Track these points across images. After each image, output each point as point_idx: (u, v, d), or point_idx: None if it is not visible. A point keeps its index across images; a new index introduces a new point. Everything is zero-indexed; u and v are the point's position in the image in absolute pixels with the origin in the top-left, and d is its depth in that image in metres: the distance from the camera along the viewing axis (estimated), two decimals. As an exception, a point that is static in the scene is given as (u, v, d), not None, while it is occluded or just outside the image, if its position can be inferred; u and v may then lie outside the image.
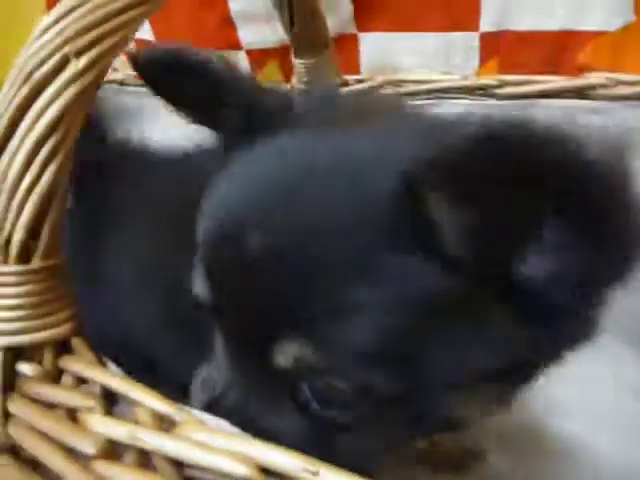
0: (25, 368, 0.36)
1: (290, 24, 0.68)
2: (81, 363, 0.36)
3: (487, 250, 0.29)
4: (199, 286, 0.37)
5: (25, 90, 0.35)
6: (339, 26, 0.87)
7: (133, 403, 0.33)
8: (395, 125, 0.38)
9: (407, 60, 0.82)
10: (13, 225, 0.34)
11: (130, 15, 0.38)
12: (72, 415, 0.34)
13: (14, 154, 0.34)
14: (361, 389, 0.32)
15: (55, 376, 0.37)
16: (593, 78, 0.64)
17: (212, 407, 0.35)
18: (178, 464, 0.31)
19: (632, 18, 0.68)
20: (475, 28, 0.77)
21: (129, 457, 0.31)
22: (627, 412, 0.57)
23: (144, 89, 1.00)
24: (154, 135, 0.96)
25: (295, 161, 0.36)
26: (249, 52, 0.91)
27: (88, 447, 0.31)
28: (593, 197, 0.26)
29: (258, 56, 0.91)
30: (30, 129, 0.34)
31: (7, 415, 0.35)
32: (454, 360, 0.31)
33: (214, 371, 0.38)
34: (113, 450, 0.32)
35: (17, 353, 0.36)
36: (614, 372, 0.62)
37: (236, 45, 0.90)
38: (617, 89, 0.63)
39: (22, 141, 0.34)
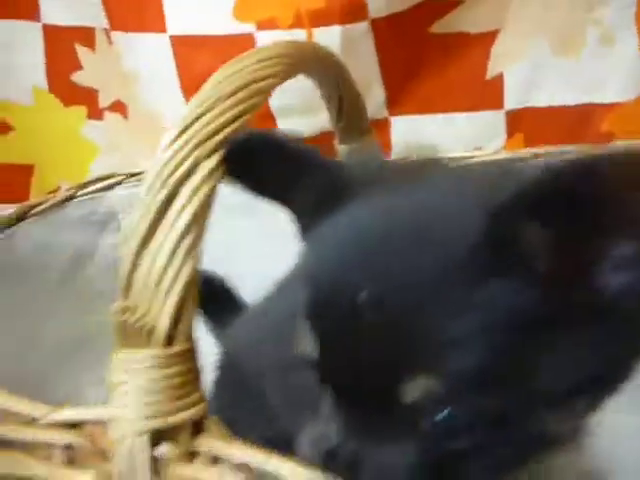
0: (165, 450, 0.38)
1: (337, 120, 0.73)
2: (219, 441, 0.38)
3: (573, 268, 0.34)
4: (305, 345, 0.38)
5: (164, 193, 0.39)
6: (370, 111, 0.94)
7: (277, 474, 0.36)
8: (459, 176, 0.44)
9: (437, 140, 0.89)
10: (159, 312, 0.38)
11: (243, 120, 0.44)
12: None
13: (158, 250, 0.38)
14: (479, 414, 0.34)
15: (192, 457, 0.39)
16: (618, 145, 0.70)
17: (328, 459, 0.36)
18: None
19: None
20: (500, 106, 0.84)
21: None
22: None
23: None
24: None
25: (381, 221, 0.39)
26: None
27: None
28: None
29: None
30: (171, 227, 0.39)
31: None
32: (560, 372, 0.35)
33: (323, 427, 0.39)
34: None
35: (155, 437, 0.39)
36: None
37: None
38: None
39: (165, 238, 0.38)
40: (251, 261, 0.70)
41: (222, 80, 0.46)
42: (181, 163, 0.40)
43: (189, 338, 0.39)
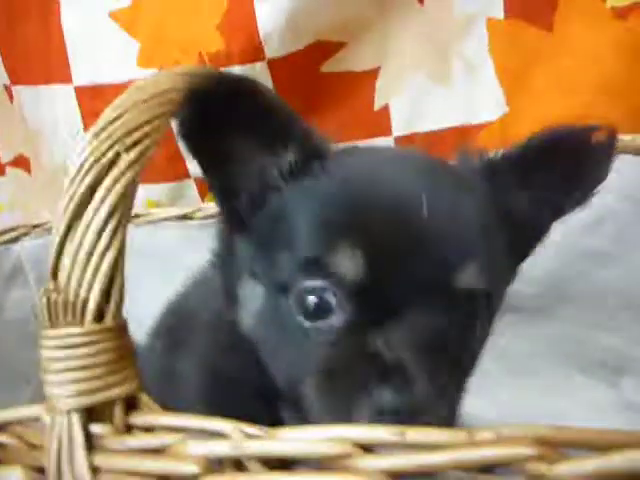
0: (98, 427, 0.39)
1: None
2: (153, 414, 0.40)
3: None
4: (351, 265, 0.41)
5: (88, 179, 0.42)
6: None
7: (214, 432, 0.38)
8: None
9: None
10: (88, 289, 0.40)
11: (161, 121, 0.48)
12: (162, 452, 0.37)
13: (84, 233, 0.40)
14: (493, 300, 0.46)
15: (127, 431, 0.40)
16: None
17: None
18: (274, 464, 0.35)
19: (506, 110, 0.89)
20: (389, 133, 0.94)
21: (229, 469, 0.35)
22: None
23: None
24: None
25: (395, 158, 0.51)
26: (196, 179, 1.02)
27: (192, 467, 0.35)
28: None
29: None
30: (97, 210, 0.41)
31: (95, 470, 0.37)
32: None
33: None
34: (214, 468, 0.35)
35: (89, 412, 0.39)
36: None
37: (185, 175, 1.00)
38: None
39: (91, 221, 0.41)
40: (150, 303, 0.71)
41: (140, 86, 0.50)
42: (103, 155, 0.43)
43: (119, 314, 0.41)
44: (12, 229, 1.06)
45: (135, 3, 0.93)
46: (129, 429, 0.40)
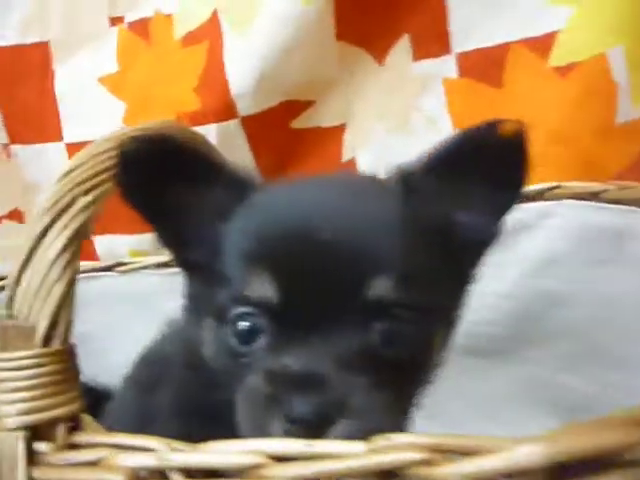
0: (42, 446, 0.42)
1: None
2: (94, 434, 0.43)
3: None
4: (265, 290, 0.44)
5: (46, 219, 0.47)
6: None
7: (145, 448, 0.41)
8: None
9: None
10: (37, 316, 0.44)
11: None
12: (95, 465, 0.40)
13: (38, 265, 0.45)
14: (422, 313, 0.46)
15: (69, 450, 0.43)
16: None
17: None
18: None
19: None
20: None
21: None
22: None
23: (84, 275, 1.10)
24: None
25: (308, 188, 0.53)
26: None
27: (120, 477, 0.38)
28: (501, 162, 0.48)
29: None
30: (51, 245, 0.46)
31: (33, 483, 0.40)
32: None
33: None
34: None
35: (34, 430, 0.43)
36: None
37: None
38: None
39: (45, 252, 0.46)
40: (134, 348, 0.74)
41: (101, 141, 0.56)
42: (61, 198, 0.49)
43: (66, 340, 0.45)
44: (2, 278, 1.11)
45: (122, 69, 1.02)
46: (71, 447, 0.43)
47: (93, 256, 1.13)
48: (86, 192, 0.50)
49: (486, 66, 0.91)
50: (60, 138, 1.08)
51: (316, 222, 0.45)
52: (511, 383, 0.86)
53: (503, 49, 0.89)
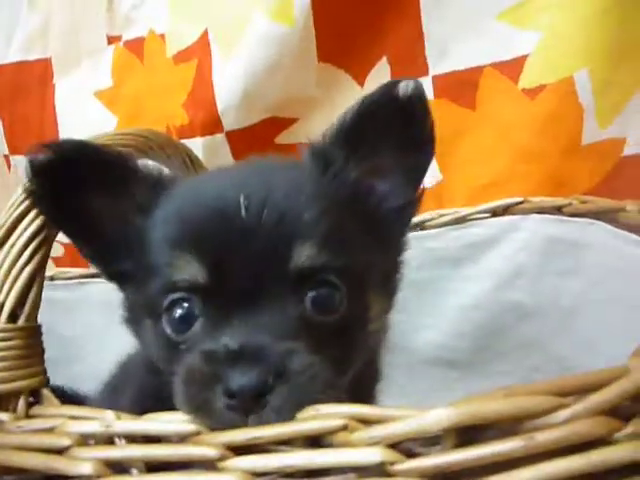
0: (3, 415, 0.45)
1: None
2: (54, 407, 0.46)
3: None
4: (192, 272, 0.45)
5: (18, 211, 0.51)
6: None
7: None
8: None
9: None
10: (7, 294, 0.47)
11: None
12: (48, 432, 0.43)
13: (9, 249, 0.49)
14: (349, 277, 0.47)
15: (28, 420, 0.46)
16: (427, 214, 0.90)
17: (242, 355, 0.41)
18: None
19: (440, 177, 0.99)
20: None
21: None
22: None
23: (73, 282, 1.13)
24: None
25: (226, 172, 0.56)
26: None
27: (67, 441, 0.41)
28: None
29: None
30: (22, 233, 0.50)
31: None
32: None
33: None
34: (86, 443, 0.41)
35: (-4, 400, 0.46)
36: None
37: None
38: (441, 219, 0.89)
39: (18, 238, 0.49)
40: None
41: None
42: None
43: (33, 319, 0.49)
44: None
45: (116, 84, 1.08)
46: (29, 417, 0.46)
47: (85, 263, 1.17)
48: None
49: (461, 88, 0.95)
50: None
51: (233, 199, 0.46)
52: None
53: (477, 72, 0.94)
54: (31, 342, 0.48)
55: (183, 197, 0.51)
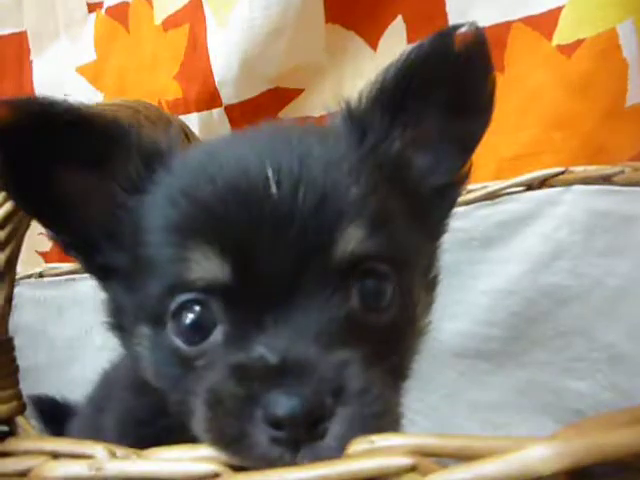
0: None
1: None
2: (30, 439, 0.37)
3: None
4: (211, 268, 0.36)
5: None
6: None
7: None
8: None
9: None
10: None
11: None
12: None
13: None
14: (398, 266, 0.38)
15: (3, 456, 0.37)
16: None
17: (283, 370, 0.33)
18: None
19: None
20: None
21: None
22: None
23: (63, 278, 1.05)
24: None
25: (255, 138, 0.43)
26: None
27: None
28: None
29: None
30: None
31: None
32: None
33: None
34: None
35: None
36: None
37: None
38: (468, 195, 0.80)
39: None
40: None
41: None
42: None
43: (2, 331, 0.39)
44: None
45: (100, 58, 0.97)
46: (2, 455, 0.37)
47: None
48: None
49: (485, 48, 0.85)
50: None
51: (259, 173, 0.36)
52: (522, 391, 0.80)
53: (504, 29, 0.84)
54: (1, 360, 0.39)
55: (191, 171, 0.40)
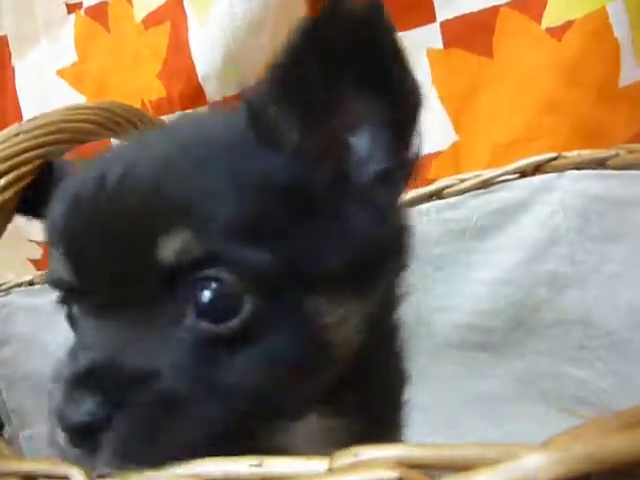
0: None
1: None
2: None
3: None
4: (59, 269, 0.37)
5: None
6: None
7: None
8: None
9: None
10: None
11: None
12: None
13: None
14: (248, 278, 0.34)
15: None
16: (443, 180, 0.79)
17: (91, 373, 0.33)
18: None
19: (456, 138, 0.87)
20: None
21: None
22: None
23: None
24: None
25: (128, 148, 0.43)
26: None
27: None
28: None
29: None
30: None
31: None
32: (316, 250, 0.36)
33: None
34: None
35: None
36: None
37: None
38: (461, 185, 0.78)
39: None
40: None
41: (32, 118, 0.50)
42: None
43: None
44: None
45: (80, 59, 0.96)
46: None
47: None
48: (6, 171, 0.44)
49: (474, 33, 0.83)
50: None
51: (94, 178, 0.36)
52: (524, 380, 0.79)
53: (491, 13, 0.82)
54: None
55: (60, 187, 0.41)
